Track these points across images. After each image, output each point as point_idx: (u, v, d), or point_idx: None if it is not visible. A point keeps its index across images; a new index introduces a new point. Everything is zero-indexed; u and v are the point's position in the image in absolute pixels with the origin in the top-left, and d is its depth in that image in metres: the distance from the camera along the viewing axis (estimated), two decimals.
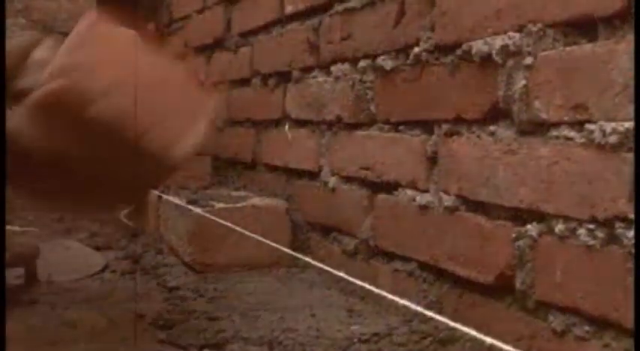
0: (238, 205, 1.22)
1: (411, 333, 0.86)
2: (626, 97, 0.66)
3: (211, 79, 1.76)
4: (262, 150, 1.47)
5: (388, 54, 1.03)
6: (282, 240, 1.15)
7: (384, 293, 0.64)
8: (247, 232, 0.98)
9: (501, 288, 0.82)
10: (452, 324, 0.58)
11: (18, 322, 0.91)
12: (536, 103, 0.76)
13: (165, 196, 1.36)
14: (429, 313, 0.61)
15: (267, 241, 0.92)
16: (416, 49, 0.96)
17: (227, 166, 1.64)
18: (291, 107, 1.34)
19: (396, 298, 0.62)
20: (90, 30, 0.85)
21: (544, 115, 0.75)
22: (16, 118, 0.81)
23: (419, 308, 0.62)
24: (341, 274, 0.73)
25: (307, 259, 0.86)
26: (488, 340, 0.50)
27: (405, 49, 0.99)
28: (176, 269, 1.19)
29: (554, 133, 0.74)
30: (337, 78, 1.17)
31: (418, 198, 0.97)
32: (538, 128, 0.77)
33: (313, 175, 1.25)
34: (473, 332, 0.54)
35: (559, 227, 0.74)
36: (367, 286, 0.68)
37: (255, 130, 1.50)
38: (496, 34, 0.82)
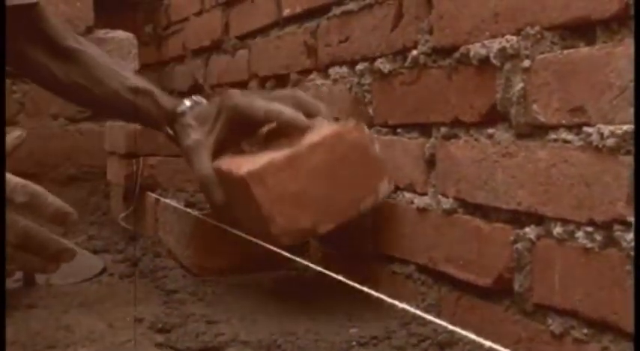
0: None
1: (409, 336, 0.86)
2: (624, 100, 0.66)
3: (209, 82, 1.76)
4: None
5: (386, 57, 1.03)
6: None
7: (383, 297, 0.64)
8: (245, 235, 0.98)
9: (500, 291, 0.82)
10: (450, 327, 0.58)
11: (16, 326, 0.91)
12: (534, 106, 0.76)
13: (163, 199, 1.36)
14: (428, 317, 0.61)
15: (266, 245, 0.92)
16: (414, 52, 0.97)
17: None
18: None
19: (395, 302, 0.61)
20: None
21: (542, 118, 0.75)
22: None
23: (417, 311, 0.62)
24: (339, 277, 0.73)
25: (305, 262, 0.86)
26: (487, 343, 0.50)
27: (403, 52, 0.99)
28: (174, 272, 1.19)
29: (552, 136, 0.74)
30: (335, 81, 1.17)
31: (416, 200, 0.97)
32: (536, 131, 0.77)
33: None
34: (471, 335, 0.54)
35: (557, 230, 0.74)
36: (365, 289, 0.68)
37: None
38: (494, 37, 0.82)
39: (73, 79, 1.16)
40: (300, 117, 0.97)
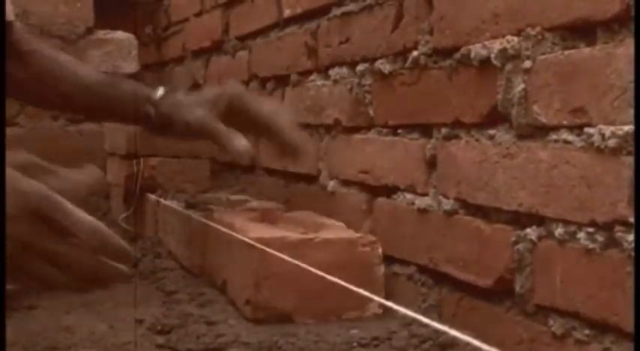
0: (236, 208, 1.22)
1: (410, 337, 0.86)
2: (625, 100, 0.66)
3: (209, 83, 1.76)
4: (260, 153, 1.46)
5: (386, 58, 1.03)
6: None
7: (381, 300, 0.64)
8: (244, 238, 0.97)
9: (501, 292, 0.82)
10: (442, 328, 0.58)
11: (16, 327, 0.90)
12: (535, 107, 0.76)
13: (163, 200, 1.36)
14: (426, 320, 0.61)
15: (264, 247, 0.92)
16: (414, 53, 0.96)
17: (225, 170, 1.64)
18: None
19: (393, 305, 0.61)
20: None
21: (543, 119, 0.75)
22: None
23: (409, 312, 0.62)
24: (337, 280, 0.73)
25: (303, 264, 0.85)
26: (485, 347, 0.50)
27: (404, 53, 0.99)
28: (174, 273, 1.19)
29: (553, 136, 0.74)
30: (335, 82, 1.17)
31: (417, 201, 0.96)
32: (537, 132, 0.77)
33: (312, 179, 1.25)
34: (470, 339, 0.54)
35: (558, 231, 0.74)
36: (365, 293, 0.67)
37: None
38: (494, 37, 0.82)
39: (35, 80, 1.11)
40: (296, 137, 0.98)
